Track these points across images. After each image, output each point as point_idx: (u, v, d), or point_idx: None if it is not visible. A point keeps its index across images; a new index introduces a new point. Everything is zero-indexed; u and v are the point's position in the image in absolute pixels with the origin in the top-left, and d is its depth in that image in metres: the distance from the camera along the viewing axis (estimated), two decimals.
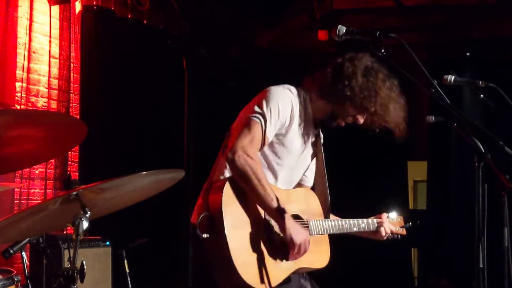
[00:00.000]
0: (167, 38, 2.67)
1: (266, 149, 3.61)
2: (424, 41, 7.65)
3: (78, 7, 6.50)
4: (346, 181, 7.23)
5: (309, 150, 3.83)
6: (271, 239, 3.54)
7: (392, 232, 4.19)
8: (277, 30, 8.07)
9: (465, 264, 7.27)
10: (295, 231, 3.50)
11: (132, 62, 6.75)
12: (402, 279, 8.31)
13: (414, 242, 8.49)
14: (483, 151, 3.42)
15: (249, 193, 3.46)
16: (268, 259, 3.51)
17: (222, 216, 3.36)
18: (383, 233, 4.11)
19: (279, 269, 3.56)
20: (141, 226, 6.15)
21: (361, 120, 3.73)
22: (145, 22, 6.94)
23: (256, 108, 3.53)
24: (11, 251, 3.39)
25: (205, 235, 3.37)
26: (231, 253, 3.32)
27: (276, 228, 3.55)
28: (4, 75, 5.69)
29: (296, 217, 3.64)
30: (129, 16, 6.84)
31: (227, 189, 3.43)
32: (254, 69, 7.82)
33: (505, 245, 3.51)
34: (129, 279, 5.40)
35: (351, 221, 3.98)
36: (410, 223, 4.36)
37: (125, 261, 5.40)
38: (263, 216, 3.53)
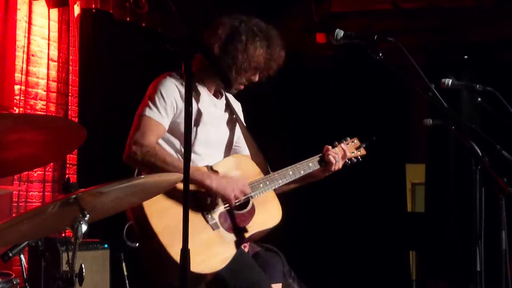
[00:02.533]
0: (165, 41, 2.66)
1: (172, 137, 3.64)
2: (422, 44, 7.65)
3: (76, 10, 6.50)
4: (345, 184, 7.23)
5: (222, 121, 3.84)
6: (207, 218, 3.54)
7: (348, 158, 4.08)
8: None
9: (463, 267, 7.34)
10: (221, 185, 3.53)
11: (131, 65, 6.75)
12: (400, 282, 8.31)
13: (412, 245, 8.49)
14: (481, 154, 3.44)
15: None
16: (210, 241, 3.50)
17: (148, 219, 3.34)
18: (333, 160, 3.96)
19: (227, 245, 3.56)
20: None
21: (255, 78, 3.78)
22: (143, 25, 6.95)
23: (143, 104, 3.66)
24: (10, 254, 3.40)
25: (136, 244, 3.38)
26: (169, 252, 3.30)
27: (207, 211, 3.54)
28: (3, 78, 5.69)
29: None
30: (128, 19, 6.85)
31: None
32: None
33: (503, 248, 3.52)
34: (127, 282, 5.39)
35: (297, 164, 3.91)
36: (367, 141, 4.20)
37: (123, 264, 5.40)
38: (192, 205, 3.49)
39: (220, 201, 3.62)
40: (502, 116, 3.69)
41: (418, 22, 7.53)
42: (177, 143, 3.65)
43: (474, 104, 7.10)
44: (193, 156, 3.60)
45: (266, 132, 5.07)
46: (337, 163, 4.00)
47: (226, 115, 3.88)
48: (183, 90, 3.63)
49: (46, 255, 3.49)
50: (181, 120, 3.60)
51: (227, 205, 3.62)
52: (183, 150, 3.61)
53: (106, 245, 5.45)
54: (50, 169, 6.17)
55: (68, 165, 6.35)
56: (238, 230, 3.63)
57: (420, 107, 8.06)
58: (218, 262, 3.50)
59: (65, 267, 4.75)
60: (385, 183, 8.29)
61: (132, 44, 6.83)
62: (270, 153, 3.98)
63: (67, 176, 6.17)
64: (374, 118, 8.19)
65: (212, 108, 3.79)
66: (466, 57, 7.75)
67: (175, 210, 3.40)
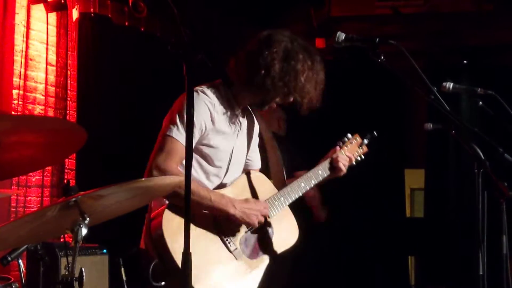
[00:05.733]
0: (166, 44, 2.65)
1: (197, 158, 3.51)
2: (422, 49, 7.65)
3: (75, 14, 6.48)
4: (343, 189, 7.22)
5: (243, 137, 3.73)
6: (230, 248, 3.46)
7: (353, 158, 4.02)
8: None
9: (463, 272, 7.32)
10: (244, 213, 3.45)
11: (130, 70, 6.74)
12: (399, 287, 8.29)
13: (411, 251, 8.48)
14: (483, 158, 3.43)
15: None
16: (237, 271, 3.43)
17: (172, 256, 3.21)
18: (343, 169, 3.90)
19: (252, 272, 3.50)
20: (139, 234, 6.11)
21: (290, 100, 3.62)
22: (142, 29, 6.93)
23: (169, 123, 3.43)
24: (9, 258, 3.37)
25: (162, 283, 3.24)
26: None
27: (227, 237, 3.47)
28: (1, 82, 5.69)
29: None
30: (126, 23, 6.83)
31: (166, 222, 3.27)
32: None
33: (504, 252, 3.51)
34: (126, 287, 5.36)
35: (308, 174, 3.81)
36: (368, 136, 4.13)
37: (122, 269, 5.37)
38: (212, 230, 3.43)
39: (242, 226, 3.55)
40: (504, 120, 3.67)
41: (417, 26, 7.53)
42: (203, 164, 3.55)
43: (473, 109, 7.14)
44: (213, 172, 3.57)
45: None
46: (346, 169, 3.94)
47: (247, 129, 3.77)
48: (213, 111, 3.52)
49: (45, 259, 3.46)
50: (207, 141, 3.52)
51: (247, 229, 3.56)
52: (209, 171, 3.57)
53: (104, 250, 5.43)
54: (48, 174, 6.15)
55: (66, 170, 6.33)
56: (260, 254, 3.57)
57: (419, 112, 8.05)
58: None
59: (63, 272, 4.73)
60: (384, 188, 8.28)
61: (130, 49, 6.82)
62: None
63: (65, 180, 6.14)
64: (373, 123, 8.17)
65: (238, 127, 3.68)
66: (465, 61, 7.76)
67: (199, 241, 3.34)
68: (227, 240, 3.47)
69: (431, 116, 6.50)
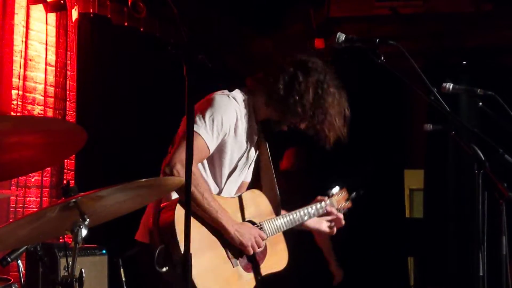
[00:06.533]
0: (166, 44, 2.65)
1: (208, 160, 3.55)
2: (421, 49, 7.64)
3: (74, 14, 6.48)
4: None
5: (252, 150, 3.76)
6: (229, 254, 3.50)
7: (339, 211, 4.10)
8: (274, 38, 8.07)
9: (462, 272, 7.32)
10: (240, 233, 3.47)
11: (129, 70, 6.74)
12: None
13: (411, 251, 8.48)
14: (483, 158, 3.42)
15: (195, 209, 3.33)
16: (230, 278, 3.47)
17: (179, 246, 3.24)
18: (334, 230, 4.06)
19: (243, 283, 3.53)
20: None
21: (303, 127, 3.71)
22: (141, 29, 6.93)
23: (198, 120, 3.41)
24: (9, 259, 3.37)
25: (164, 269, 3.24)
26: (194, 281, 3.21)
27: (228, 244, 3.50)
28: (0, 83, 5.68)
29: (250, 223, 3.63)
30: (126, 23, 6.83)
31: (179, 215, 3.27)
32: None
33: (503, 253, 3.50)
34: None
35: (301, 211, 3.89)
36: (354, 193, 4.21)
37: (122, 270, 5.36)
38: (217, 233, 3.46)
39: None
40: (503, 121, 3.67)
41: (416, 27, 7.53)
42: (213, 168, 3.59)
43: (473, 110, 7.14)
44: (216, 179, 3.60)
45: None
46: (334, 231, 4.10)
47: (256, 144, 3.80)
48: (240, 120, 3.55)
49: (44, 259, 3.46)
50: (223, 147, 3.54)
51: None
52: (216, 178, 3.61)
53: (104, 251, 5.42)
54: (47, 175, 6.15)
55: (65, 170, 6.33)
56: (253, 269, 3.61)
57: (418, 112, 8.05)
58: None
59: (63, 273, 4.73)
60: (384, 188, 8.27)
61: (130, 49, 6.82)
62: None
63: (64, 181, 6.14)
64: (373, 123, 8.18)
65: (251, 140, 3.71)
66: (464, 62, 7.75)
67: (204, 238, 3.40)
68: (227, 247, 3.50)
69: (431, 117, 6.50)
